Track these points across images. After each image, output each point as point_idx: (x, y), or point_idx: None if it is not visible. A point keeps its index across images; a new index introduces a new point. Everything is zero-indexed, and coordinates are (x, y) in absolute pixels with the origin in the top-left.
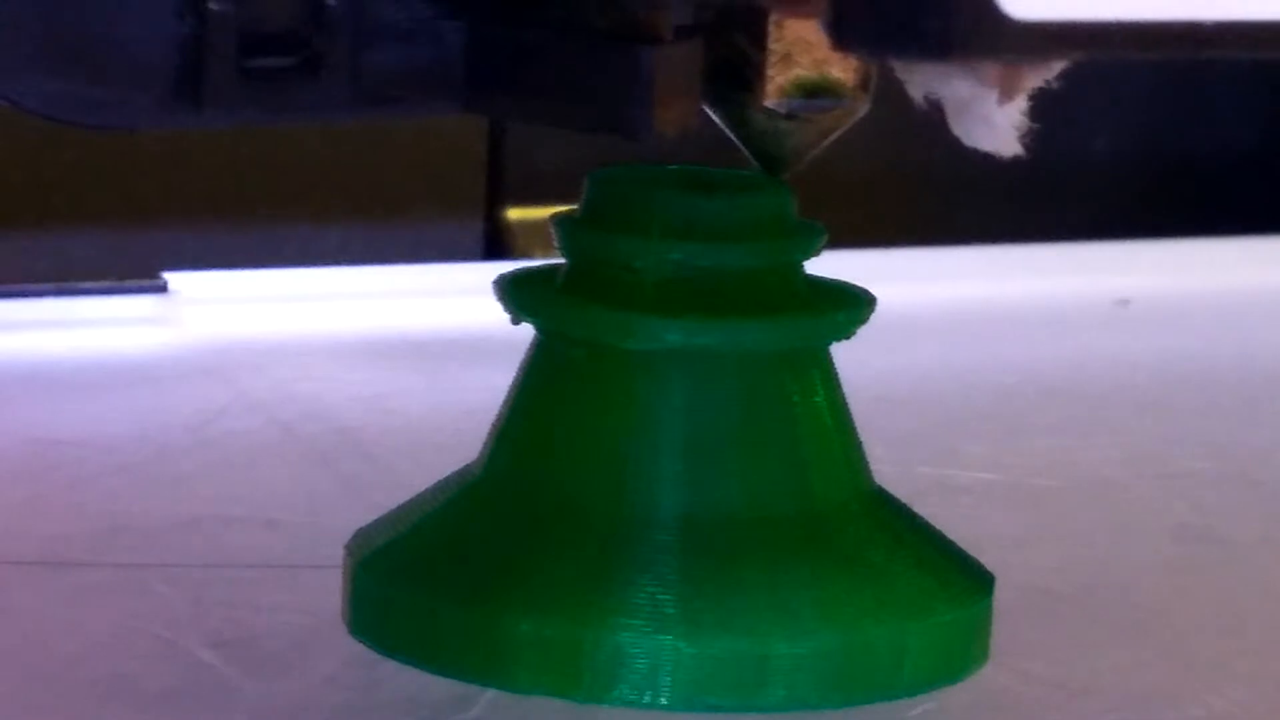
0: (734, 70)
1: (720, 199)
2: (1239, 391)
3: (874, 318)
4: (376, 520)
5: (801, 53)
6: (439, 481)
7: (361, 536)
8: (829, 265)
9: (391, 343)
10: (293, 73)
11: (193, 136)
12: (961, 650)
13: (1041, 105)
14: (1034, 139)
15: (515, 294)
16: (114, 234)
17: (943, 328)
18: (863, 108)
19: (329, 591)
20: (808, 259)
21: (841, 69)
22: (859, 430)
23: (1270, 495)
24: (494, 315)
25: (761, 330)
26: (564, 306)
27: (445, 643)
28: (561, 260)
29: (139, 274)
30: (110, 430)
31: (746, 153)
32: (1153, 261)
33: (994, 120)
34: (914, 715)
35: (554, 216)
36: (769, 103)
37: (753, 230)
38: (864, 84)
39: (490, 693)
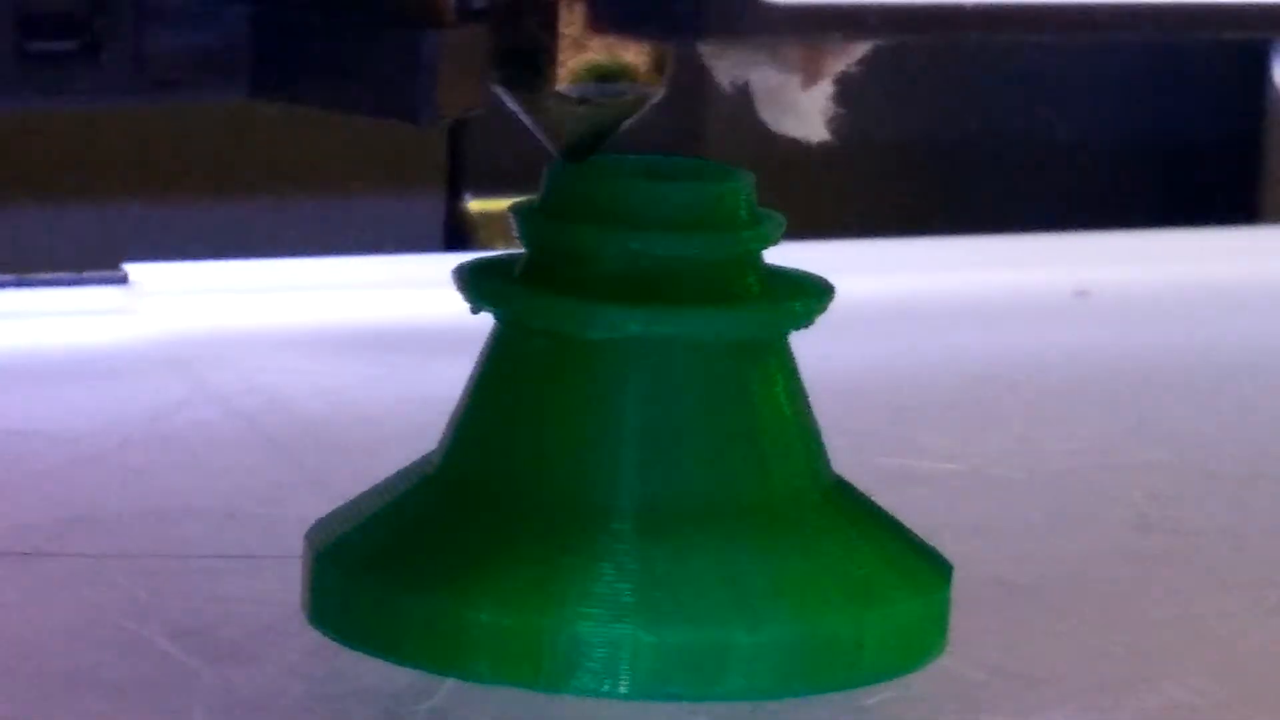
0: (526, 55)
1: (679, 188)
2: (1198, 382)
3: (833, 308)
4: (336, 510)
5: (594, 37)
6: (398, 471)
7: (321, 527)
8: (788, 255)
9: (352, 334)
10: (73, 56)
11: (153, 127)
12: (920, 639)
13: (1006, 96)
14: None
15: (474, 283)
16: (74, 225)
17: (902, 317)
18: (658, 92)
19: (289, 582)
20: (767, 248)
21: (635, 53)
22: (818, 420)
23: (1229, 486)
24: (454, 306)
25: (720, 320)
26: (523, 296)
27: (405, 632)
28: (521, 250)
29: (99, 266)
30: (70, 422)
31: (541, 138)
32: (1112, 253)
33: (800, 106)
34: (872, 704)
35: (513, 206)
36: (561, 88)
37: (712, 219)
38: (658, 68)
39: (450, 682)
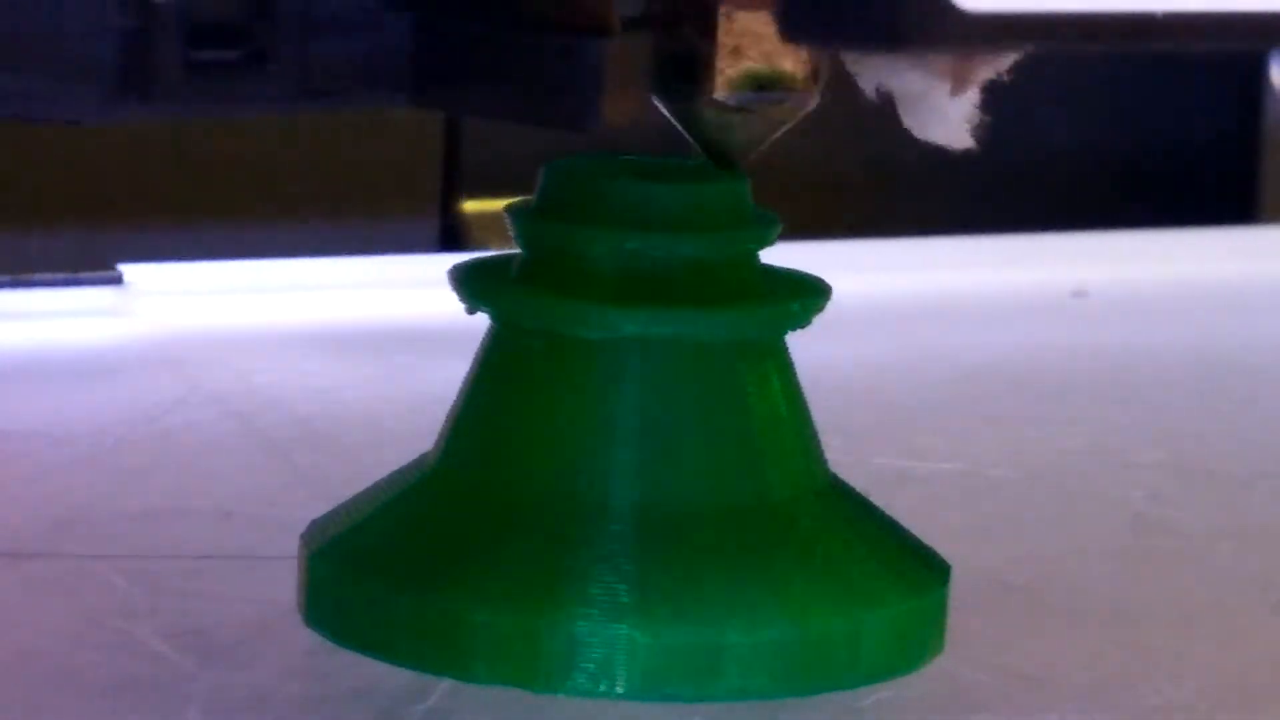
0: (683, 63)
1: (676, 189)
2: (1195, 382)
3: (830, 308)
4: (332, 511)
5: (751, 45)
6: (394, 472)
7: (317, 527)
8: (785, 255)
9: (348, 334)
10: (239, 65)
11: (148, 129)
12: (917, 640)
13: (999, 96)
14: (992, 130)
15: (470, 283)
16: (69, 226)
17: (899, 318)
18: (813, 100)
19: (285, 582)
20: (763, 248)
21: (792, 61)
22: (815, 420)
23: (1225, 485)
24: (450, 307)
25: (717, 320)
26: (519, 296)
27: (401, 633)
28: (517, 251)
29: (94, 266)
30: (66, 422)
31: (695, 146)
32: (1110, 253)
33: (946, 113)
34: (869, 704)
35: (508, 206)
36: (718, 95)
37: (708, 220)
38: (814, 76)
39: (447, 683)
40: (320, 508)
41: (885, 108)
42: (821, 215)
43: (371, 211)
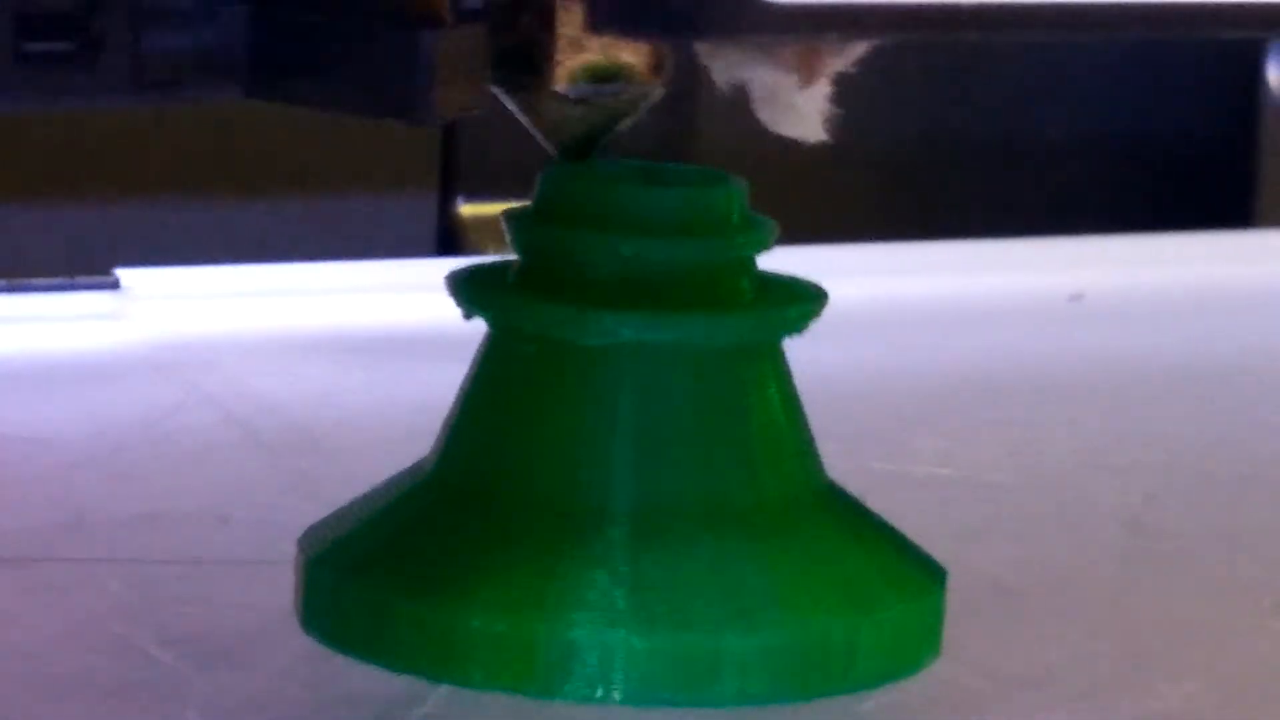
0: (524, 55)
1: (673, 194)
2: (1192, 386)
3: (827, 312)
4: (329, 516)
5: (591, 37)
6: (392, 477)
7: (314, 532)
8: (781, 260)
9: (345, 338)
10: (71, 57)
11: (144, 131)
12: (914, 644)
13: (1003, 98)
14: (989, 132)
15: (467, 290)
16: (66, 230)
17: (896, 322)
18: (656, 92)
19: (281, 587)
20: (760, 254)
21: (632, 53)
22: (812, 424)
23: (1223, 489)
24: (447, 311)
25: (714, 325)
26: (516, 302)
27: (398, 638)
28: (514, 256)
29: (91, 270)
30: (63, 426)
31: (539, 138)
32: (1106, 256)
33: (798, 106)
34: (866, 709)
35: (506, 212)
36: (558, 88)
37: (705, 225)
38: (656, 68)
39: (443, 689)
40: (318, 513)
41: (738, 100)
42: (816, 217)
43: (368, 215)
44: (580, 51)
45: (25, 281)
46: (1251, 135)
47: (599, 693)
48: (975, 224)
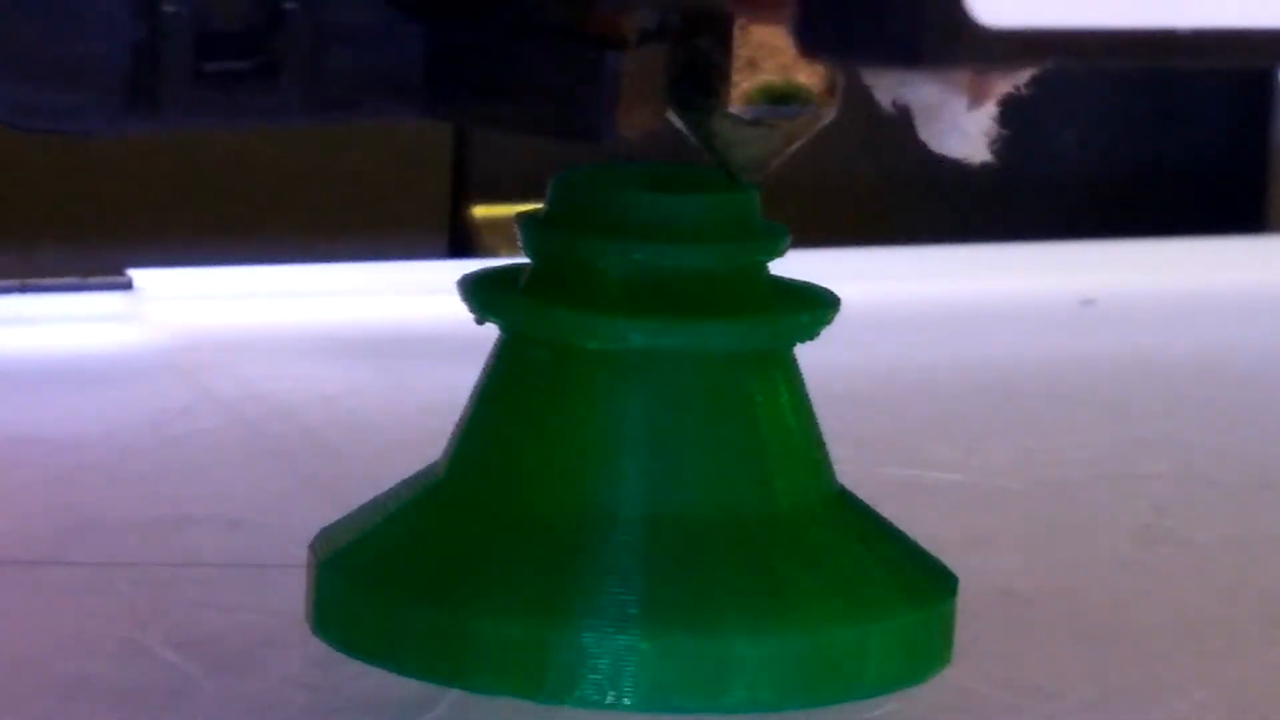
0: (699, 75)
1: (684, 199)
2: (1202, 392)
3: (838, 318)
4: (340, 520)
5: (767, 58)
6: (403, 481)
7: (325, 536)
8: (793, 265)
9: (356, 341)
10: (249, 76)
11: (157, 133)
12: (924, 651)
13: (1007, 105)
14: (1001, 140)
15: (479, 294)
16: (79, 231)
17: (907, 328)
18: (830, 113)
19: (292, 591)
20: (772, 260)
21: (808, 74)
22: (823, 431)
23: (1232, 496)
24: (459, 313)
25: (725, 331)
26: (527, 307)
27: (408, 643)
28: (526, 260)
29: (104, 271)
30: (74, 428)
31: (712, 159)
32: (1117, 261)
33: (963, 126)
34: (876, 716)
35: (518, 216)
36: (734, 109)
37: (717, 231)
38: (831, 89)
39: (453, 693)
40: (328, 516)
41: (901, 120)
42: (831, 224)
43: (381, 217)
44: (756, 72)
45: (38, 282)
46: (1262, 141)
47: (609, 698)
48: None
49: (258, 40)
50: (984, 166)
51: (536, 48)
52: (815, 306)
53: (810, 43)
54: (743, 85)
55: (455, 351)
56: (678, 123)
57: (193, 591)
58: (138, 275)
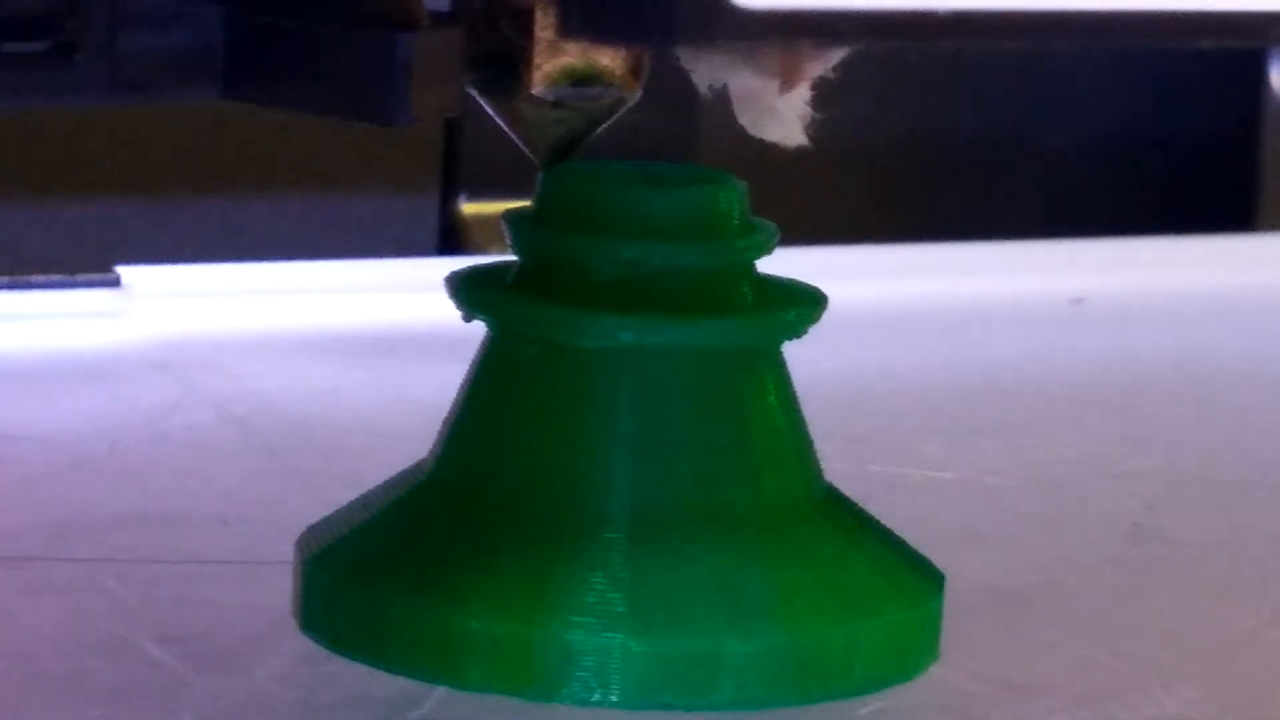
0: (502, 58)
1: (673, 197)
2: (1193, 390)
3: (826, 316)
4: (328, 516)
5: (569, 40)
6: (391, 478)
7: (313, 533)
8: (781, 263)
9: (345, 338)
10: (46, 57)
11: (146, 128)
12: (912, 649)
13: (1000, 102)
14: (990, 136)
15: (467, 292)
16: (67, 227)
17: (895, 326)
18: (633, 95)
19: (280, 588)
20: (761, 258)
21: (610, 57)
22: (811, 429)
23: (1223, 495)
24: (448, 311)
25: (713, 329)
26: (515, 304)
27: (395, 639)
28: (514, 257)
29: (92, 268)
30: (62, 425)
31: (517, 141)
32: (1107, 260)
33: (778, 110)
34: (864, 714)
35: (506, 214)
36: (537, 91)
37: (706, 229)
38: (635, 71)
39: (440, 690)
40: (317, 513)
41: (719, 105)
42: (814, 221)
43: (370, 214)
44: (558, 55)
45: (26, 278)
46: (1253, 138)
47: (596, 696)
48: (975, 227)
49: (54, 21)
50: (973, 161)
51: (332, 30)
52: (803, 304)
53: (571, 25)
54: (544, 68)
55: (443, 349)
56: (484, 105)
57: (181, 588)
58: (126, 272)
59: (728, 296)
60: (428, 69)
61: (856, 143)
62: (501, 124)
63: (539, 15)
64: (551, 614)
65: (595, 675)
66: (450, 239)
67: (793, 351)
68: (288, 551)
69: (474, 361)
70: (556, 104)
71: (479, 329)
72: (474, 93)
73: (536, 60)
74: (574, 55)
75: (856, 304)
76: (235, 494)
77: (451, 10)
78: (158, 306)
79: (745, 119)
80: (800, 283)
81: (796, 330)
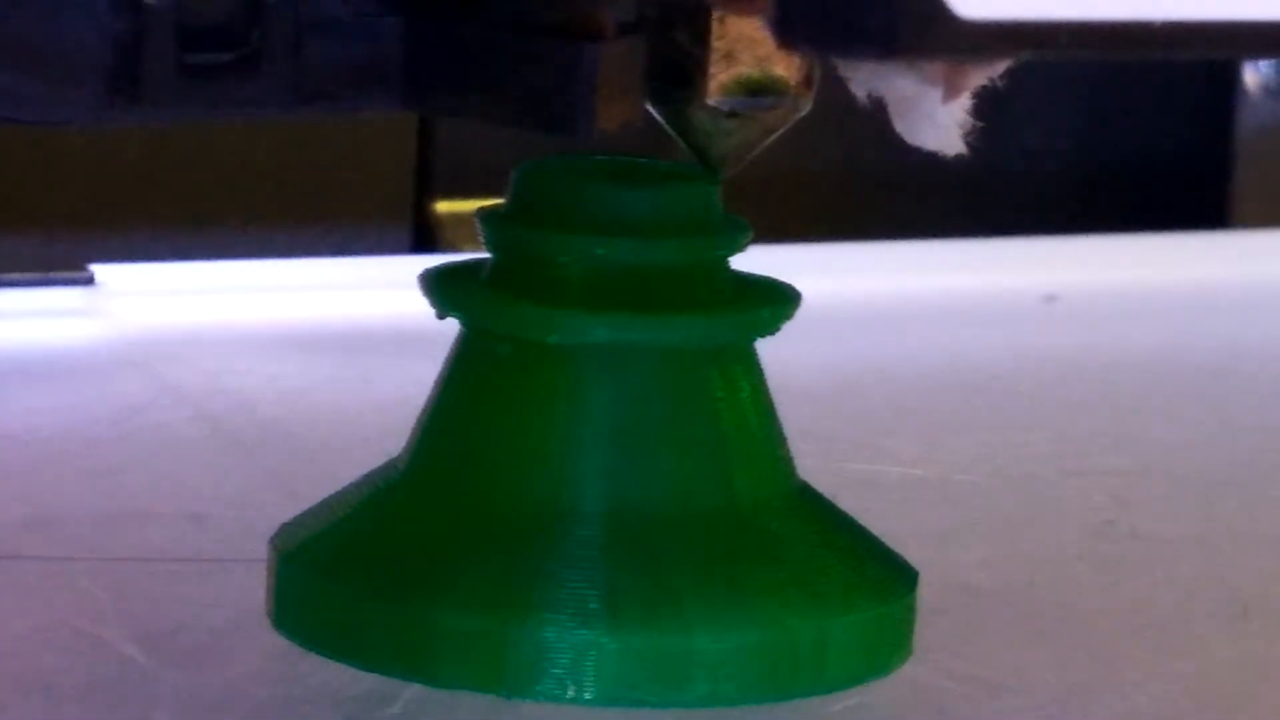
0: (676, 67)
1: (646, 193)
2: (1164, 387)
3: (800, 313)
4: (301, 514)
5: (744, 50)
6: (364, 475)
7: (286, 531)
8: (754, 260)
9: (319, 336)
10: (231, 68)
11: (121, 129)
12: (885, 646)
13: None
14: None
15: (440, 289)
16: (40, 226)
17: (869, 323)
18: (806, 105)
19: (253, 586)
20: (733, 255)
21: (785, 66)
22: (784, 426)
23: (1194, 492)
24: (421, 309)
25: (686, 326)
26: (488, 301)
27: (369, 637)
28: (487, 255)
29: (65, 266)
30: (35, 423)
31: (689, 151)
32: (1080, 257)
33: (938, 118)
34: (837, 711)
35: (479, 211)
36: (711, 100)
37: (678, 226)
38: (807, 81)
39: (414, 687)
40: (290, 511)
41: (876, 113)
42: (794, 219)
43: (344, 213)
44: (733, 64)
45: None
46: (1226, 137)
47: (570, 693)
48: (951, 225)
49: (240, 32)
50: (952, 161)
51: (515, 40)
52: (776, 301)
53: (789, 34)
54: (719, 77)
55: (418, 347)
56: (655, 115)
57: (153, 586)
58: (99, 270)
59: (701, 293)
60: (612, 80)
61: (837, 141)
62: (673, 134)
63: (714, 24)
64: (525, 611)
65: (568, 672)
66: (424, 238)
67: (766, 348)
68: (261, 549)
69: (447, 359)
70: (730, 114)
71: (453, 326)
72: (647, 101)
73: (712, 70)
74: (749, 64)
75: (830, 301)
76: (208, 491)
77: (633, 20)
78: (131, 305)
79: (903, 126)
80: (774, 280)
81: (770, 328)
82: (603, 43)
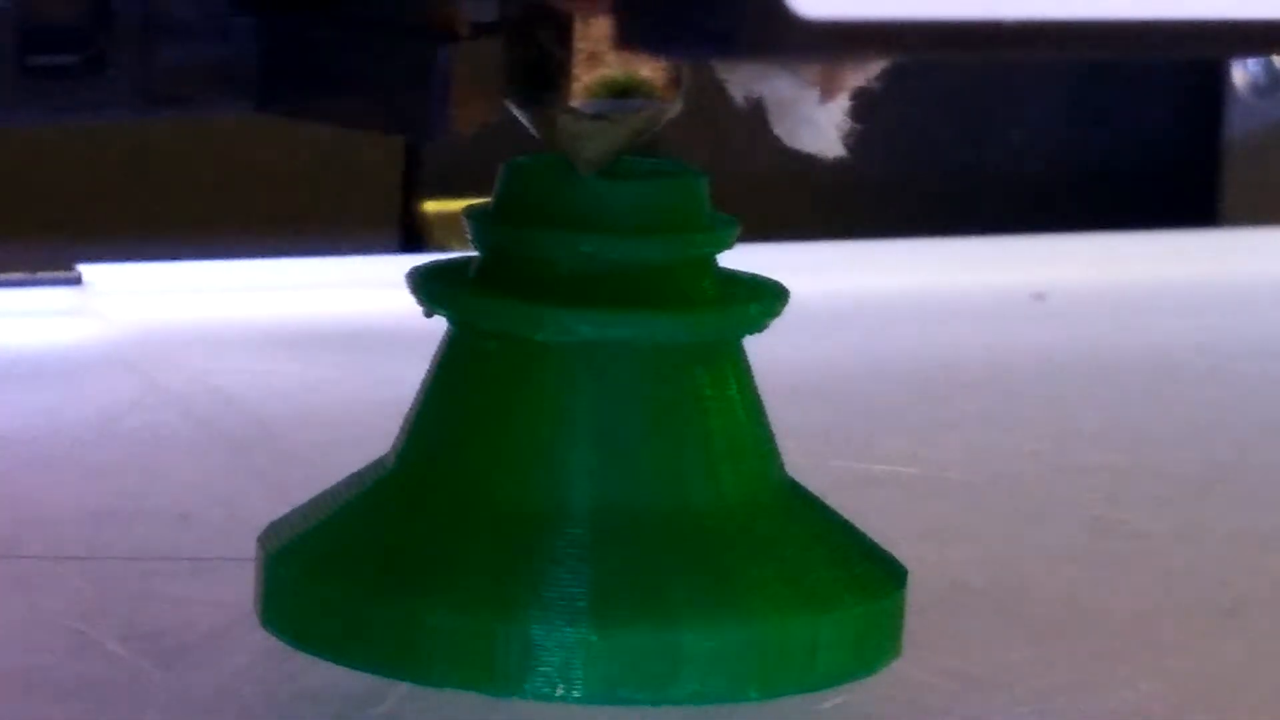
0: (539, 69)
1: (632, 190)
2: (1154, 385)
3: (788, 310)
4: (290, 513)
5: (609, 51)
6: (353, 474)
7: (274, 529)
8: (742, 258)
9: (307, 335)
10: (77, 70)
11: (107, 127)
12: (874, 644)
13: (962, 100)
14: (951, 134)
15: (427, 286)
16: (27, 226)
17: (857, 320)
18: (674, 107)
19: (242, 584)
20: (721, 252)
21: (650, 68)
22: (772, 423)
23: (1183, 489)
24: (410, 307)
25: (674, 323)
26: (475, 299)
27: (358, 636)
28: (475, 253)
29: (53, 266)
30: (23, 422)
31: (555, 154)
32: (1068, 255)
33: (816, 120)
34: (826, 708)
35: (466, 209)
36: (575, 103)
37: (666, 223)
38: (674, 83)
39: (403, 686)
40: (278, 509)
41: (754, 115)
42: (783, 216)
43: (332, 212)
44: (598, 66)
45: None
46: (1215, 135)
47: (559, 691)
48: (940, 223)
49: (85, 34)
50: (936, 158)
51: (370, 41)
52: (764, 298)
53: (630, 35)
54: (583, 79)
55: (406, 345)
56: (520, 118)
57: (142, 584)
58: (87, 270)
59: (688, 291)
60: (468, 81)
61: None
62: (537, 136)
63: (578, 25)
64: (513, 608)
65: (557, 670)
66: (412, 237)
67: (754, 345)
68: (249, 548)
69: (435, 357)
70: (595, 116)
71: (441, 325)
72: (510, 103)
73: (575, 72)
74: (614, 66)
75: (818, 298)
76: (196, 490)
77: (492, 20)
78: (119, 304)
79: (781, 129)
80: (762, 277)
81: (758, 325)
82: (458, 42)
